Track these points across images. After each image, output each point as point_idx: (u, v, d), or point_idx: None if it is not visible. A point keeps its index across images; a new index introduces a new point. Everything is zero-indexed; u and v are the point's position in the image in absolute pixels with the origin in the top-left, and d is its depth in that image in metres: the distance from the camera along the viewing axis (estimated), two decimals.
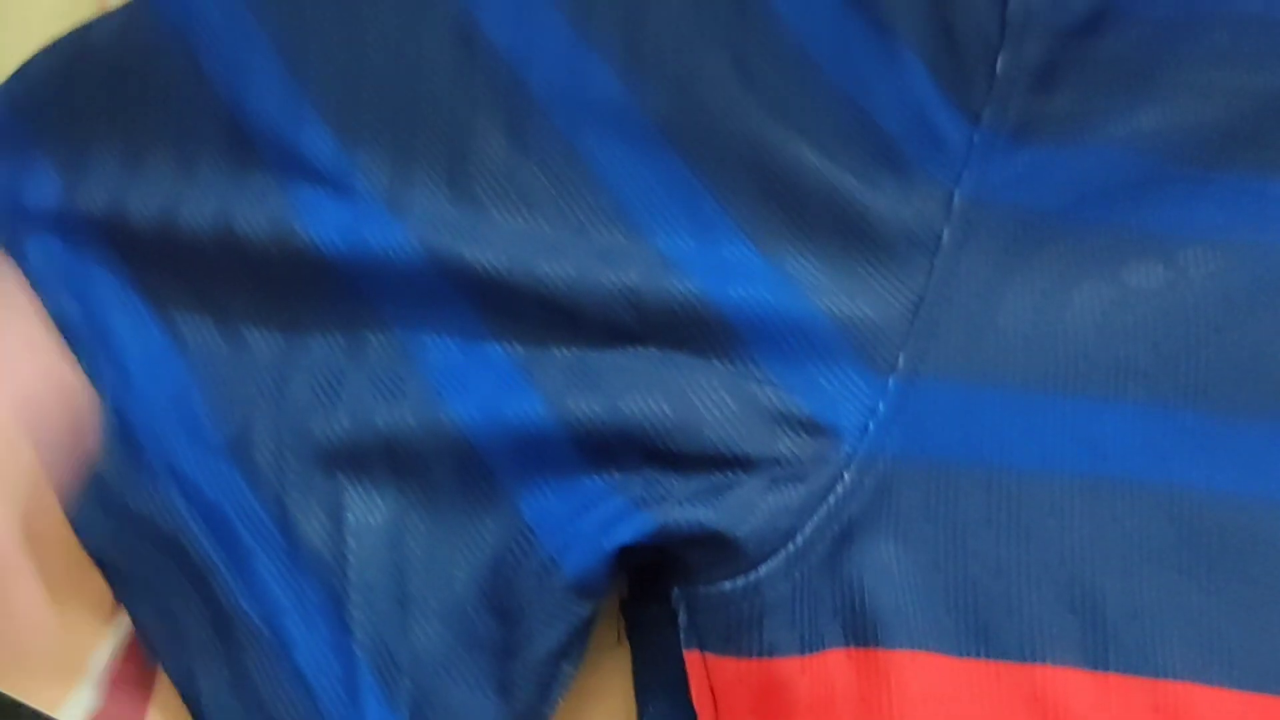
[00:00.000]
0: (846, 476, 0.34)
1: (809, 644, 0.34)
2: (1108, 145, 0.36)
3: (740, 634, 0.34)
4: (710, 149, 0.36)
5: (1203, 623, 0.33)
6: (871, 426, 0.34)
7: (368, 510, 0.36)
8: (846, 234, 0.35)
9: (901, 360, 0.35)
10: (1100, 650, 0.33)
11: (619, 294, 0.35)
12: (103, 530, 0.37)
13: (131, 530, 0.36)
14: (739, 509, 0.34)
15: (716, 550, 0.34)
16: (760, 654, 0.34)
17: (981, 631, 0.33)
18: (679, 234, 0.36)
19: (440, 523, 0.36)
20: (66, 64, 0.39)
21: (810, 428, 0.34)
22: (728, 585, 0.34)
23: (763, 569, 0.34)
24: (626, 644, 0.39)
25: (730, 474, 0.34)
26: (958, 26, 0.36)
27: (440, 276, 0.36)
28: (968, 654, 0.33)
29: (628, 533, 0.34)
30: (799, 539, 0.34)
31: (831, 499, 0.34)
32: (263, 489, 0.36)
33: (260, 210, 0.36)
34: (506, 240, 0.36)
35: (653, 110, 0.36)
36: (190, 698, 0.36)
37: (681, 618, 0.35)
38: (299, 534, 0.35)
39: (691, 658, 0.35)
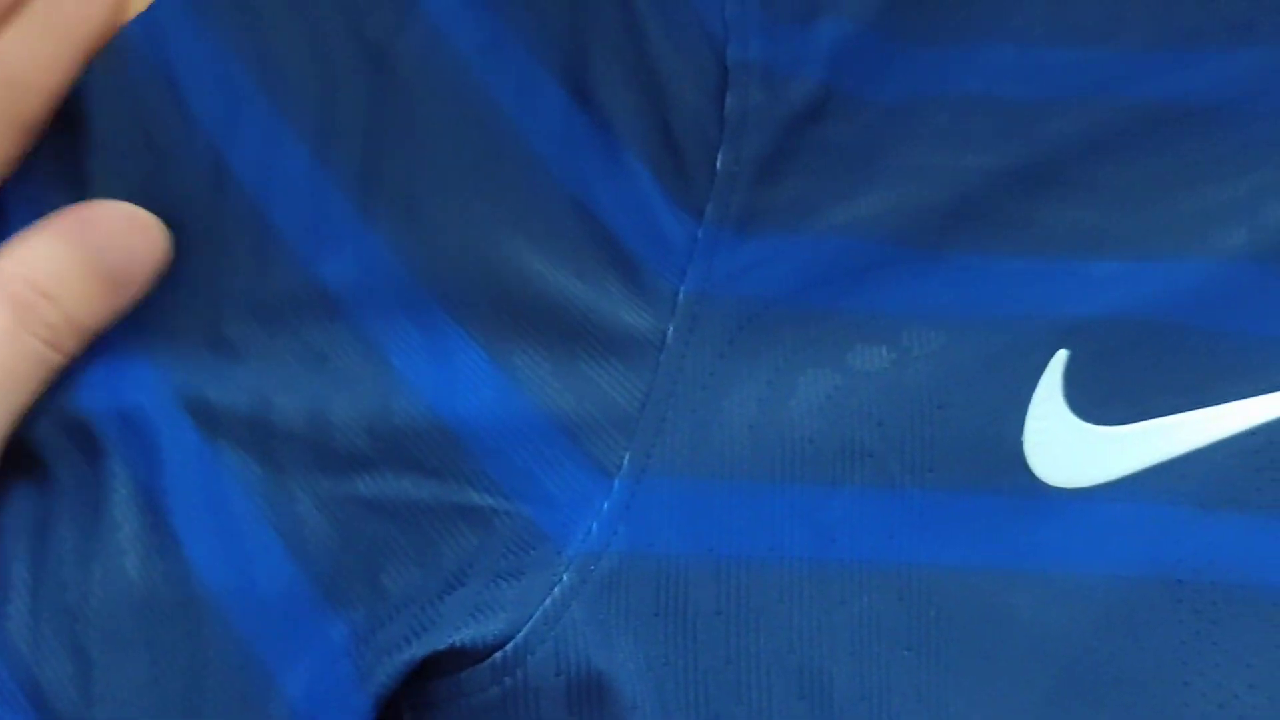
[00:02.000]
0: (566, 578, 0.34)
1: None
2: (833, 232, 0.36)
3: None
4: (441, 260, 0.36)
5: (932, 698, 0.33)
6: (595, 527, 0.34)
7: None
8: (572, 337, 0.35)
9: (627, 460, 0.35)
10: None
11: (352, 421, 0.35)
12: None
13: None
14: (460, 617, 0.34)
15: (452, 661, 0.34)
16: None
17: None
18: (413, 350, 0.36)
19: None
20: None
21: (530, 531, 0.34)
22: (449, 690, 0.34)
23: (463, 674, 0.34)
24: None
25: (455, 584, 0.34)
26: (675, 125, 0.36)
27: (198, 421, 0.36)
28: None
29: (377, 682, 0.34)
30: (509, 647, 0.34)
31: (549, 602, 0.34)
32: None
33: None
34: (249, 379, 0.36)
35: (385, 229, 0.37)
36: None
37: None
38: None
39: None
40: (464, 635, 0.34)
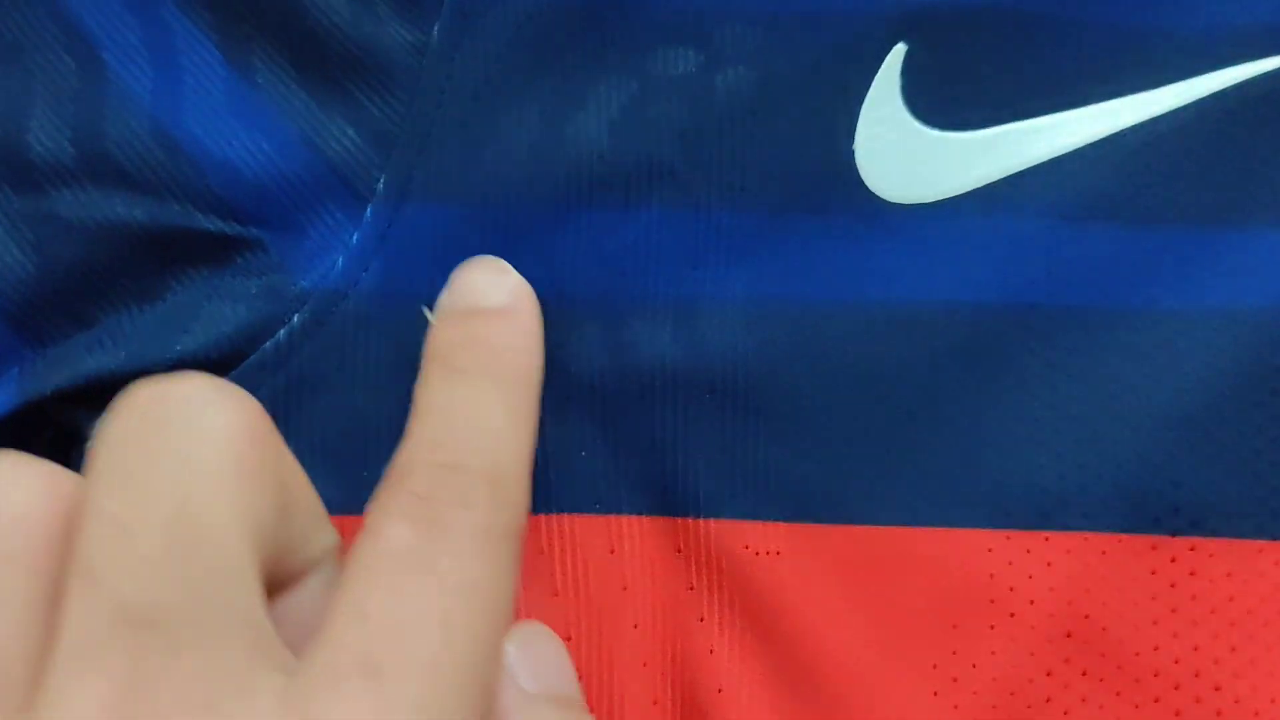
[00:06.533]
0: (296, 319, 0.28)
1: None
2: None
3: None
4: None
5: (739, 446, 0.28)
6: (341, 262, 0.29)
7: None
8: (319, 38, 0.29)
9: (382, 183, 0.29)
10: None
11: (52, 127, 0.29)
12: None
13: None
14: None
15: None
16: None
17: None
18: (129, 43, 0.30)
19: None
20: None
21: (263, 260, 0.29)
22: None
23: None
24: None
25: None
26: None
27: None
28: None
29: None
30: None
31: (273, 343, 0.28)
32: None
33: None
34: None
35: None
36: None
37: None
38: None
39: None
40: (172, 351, 0.29)
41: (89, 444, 0.23)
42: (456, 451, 0.25)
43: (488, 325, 0.27)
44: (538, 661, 0.26)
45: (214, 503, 0.22)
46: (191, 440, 0.22)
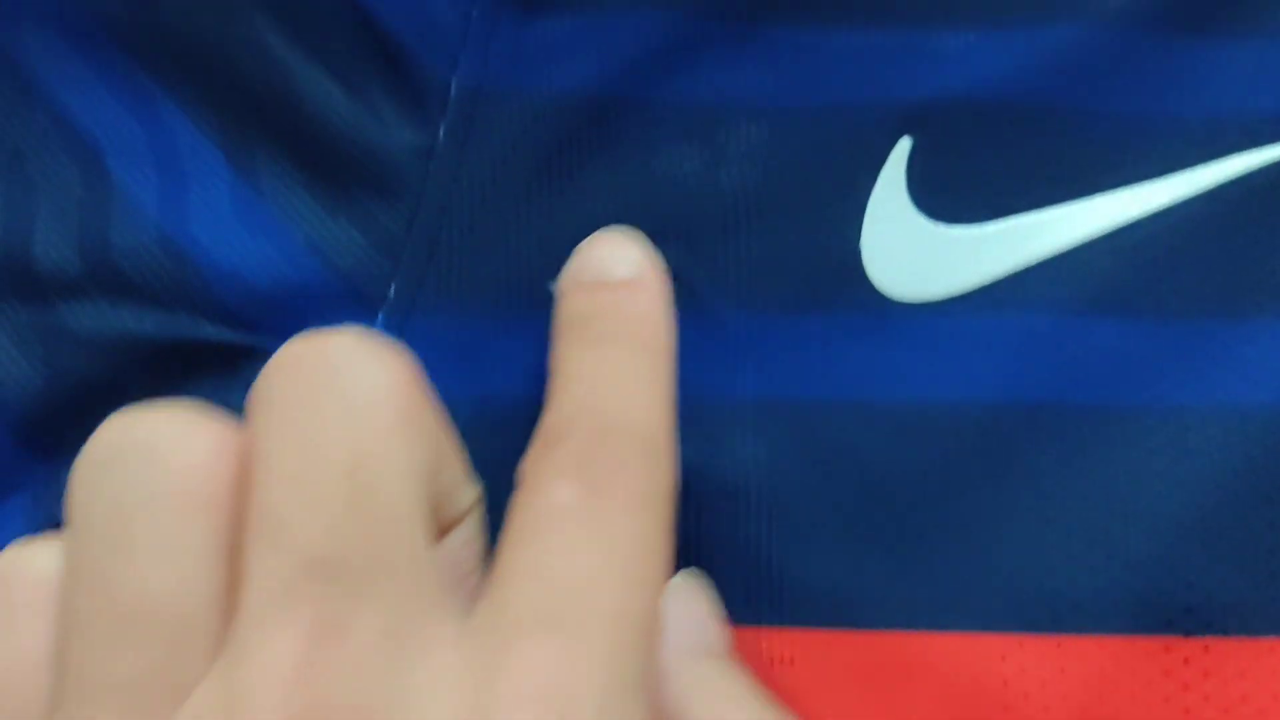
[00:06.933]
0: None
1: None
2: (633, 4, 0.30)
3: None
4: (167, 36, 0.30)
5: (756, 549, 0.28)
6: None
7: None
8: (326, 141, 0.29)
9: (393, 290, 0.29)
10: None
11: (57, 237, 0.29)
12: None
13: None
14: None
15: None
16: None
17: None
18: (136, 150, 0.30)
19: None
20: None
21: None
22: None
23: None
24: None
25: None
26: None
27: None
28: None
29: None
30: None
31: None
32: None
33: None
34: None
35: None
36: None
37: None
38: None
39: None
40: None
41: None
42: (608, 415, 0.25)
43: (617, 295, 0.28)
44: (691, 618, 0.27)
45: (385, 455, 0.22)
46: (358, 394, 0.23)
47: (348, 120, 0.29)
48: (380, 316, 0.29)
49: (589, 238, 0.29)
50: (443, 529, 0.25)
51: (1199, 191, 0.29)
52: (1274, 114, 0.29)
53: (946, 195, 0.29)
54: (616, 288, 0.28)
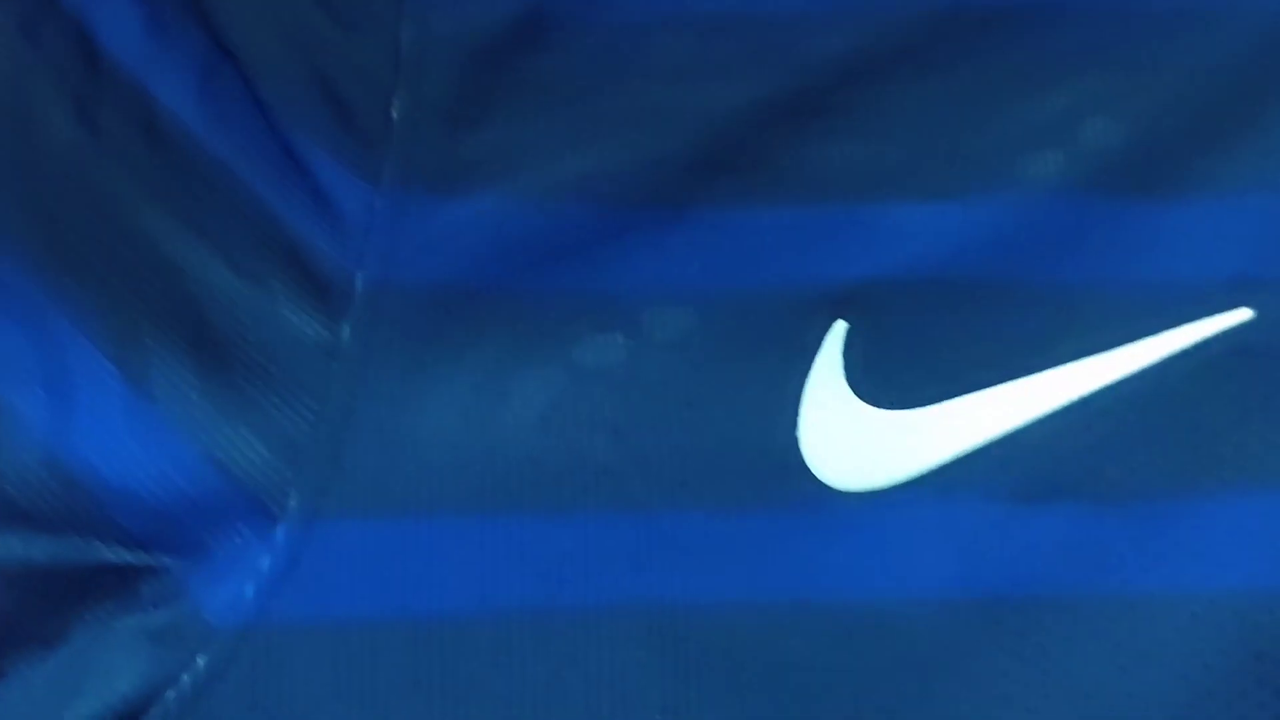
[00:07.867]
0: (200, 661, 0.26)
1: None
2: (549, 192, 0.28)
3: None
4: (57, 242, 0.28)
5: None
6: (251, 591, 0.26)
7: None
8: (223, 345, 0.28)
9: (294, 501, 0.27)
10: None
11: None
12: None
13: None
14: None
15: None
16: None
17: None
18: (22, 366, 0.28)
19: None
20: None
21: (172, 589, 0.27)
22: None
23: None
24: None
25: None
26: (334, 72, 0.28)
27: None
28: None
29: None
30: None
31: (173, 694, 0.26)
32: None
33: None
34: None
35: None
36: None
37: None
38: None
39: None
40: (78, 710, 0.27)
41: None
42: None
43: None
44: None
45: None
46: None
47: (246, 316, 0.28)
48: (279, 530, 0.27)
49: None
50: None
51: (1150, 363, 0.28)
52: (1228, 279, 0.28)
53: (885, 379, 0.27)
54: None
